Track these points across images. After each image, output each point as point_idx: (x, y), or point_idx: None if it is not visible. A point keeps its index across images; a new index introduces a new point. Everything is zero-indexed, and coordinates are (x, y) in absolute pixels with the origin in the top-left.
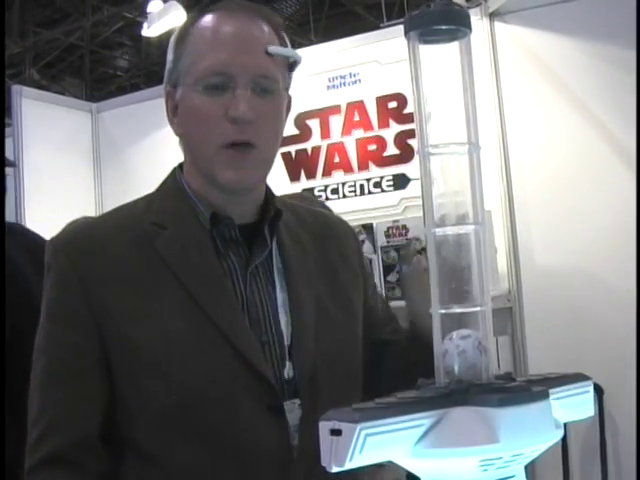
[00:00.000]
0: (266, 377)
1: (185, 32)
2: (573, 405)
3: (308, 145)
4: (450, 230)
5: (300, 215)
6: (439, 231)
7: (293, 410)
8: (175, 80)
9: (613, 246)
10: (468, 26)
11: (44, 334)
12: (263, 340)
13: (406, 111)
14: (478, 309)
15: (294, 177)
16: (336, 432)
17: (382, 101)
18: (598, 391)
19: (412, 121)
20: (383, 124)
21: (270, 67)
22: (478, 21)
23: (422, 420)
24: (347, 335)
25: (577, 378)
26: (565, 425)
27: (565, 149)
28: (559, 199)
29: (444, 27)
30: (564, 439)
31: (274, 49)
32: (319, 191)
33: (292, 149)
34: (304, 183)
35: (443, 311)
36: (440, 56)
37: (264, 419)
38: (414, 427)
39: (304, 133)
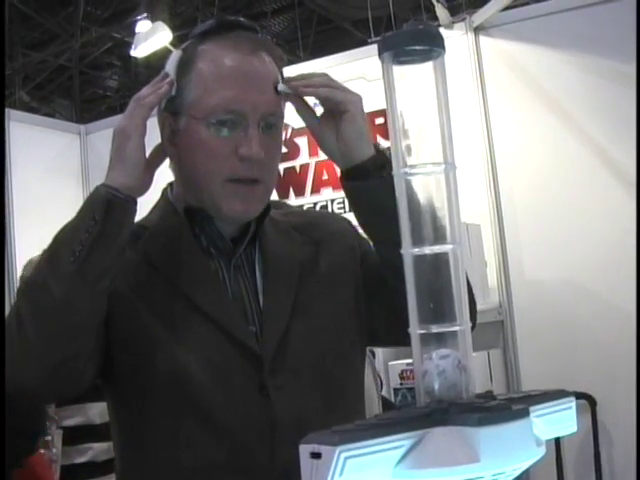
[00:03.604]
0: (262, 358)
1: (188, 61)
2: (555, 422)
3: (296, 163)
4: (427, 250)
5: (289, 216)
6: (417, 251)
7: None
8: (177, 108)
9: (603, 258)
10: (442, 46)
11: None
12: (249, 331)
13: (407, 133)
14: (457, 328)
15: (283, 195)
16: (316, 455)
17: (369, 117)
18: (591, 402)
19: (413, 142)
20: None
21: (277, 104)
22: (463, 36)
23: (402, 441)
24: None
25: (559, 395)
26: (558, 437)
27: (553, 162)
28: (548, 212)
29: (417, 48)
30: (558, 451)
31: (283, 87)
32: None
33: (280, 167)
34: (293, 201)
35: (422, 331)
36: (414, 76)
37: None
38: (394, 448)
39: (292, 151)
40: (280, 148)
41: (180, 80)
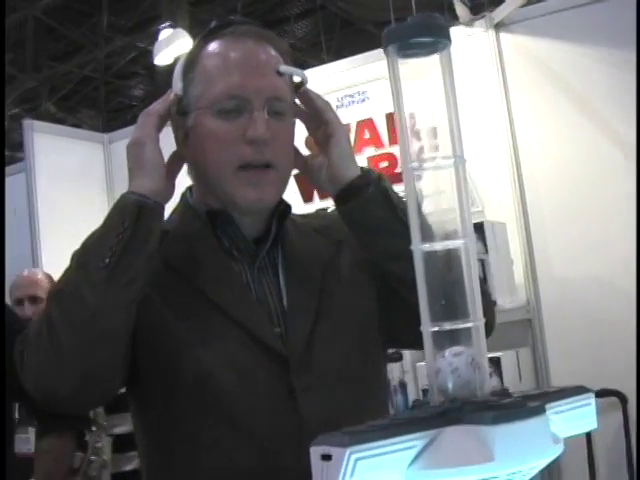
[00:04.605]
0: (288, 360)
1: (193, 60)
2: (574, 419)
3: None
4: (438, 245)
5: (308, 218)
6: (427, 247)
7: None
8: (185, 107)
9: (630, 253)
10: (447, 37)
11: None
12: (275, 332)
13: (415, 127)
14: (470, 325)
15: (307, 198)
16: (326, 457)
17: (391, 117)
18: (621, 399)
19: (422, 137)
20: (393, 140)
21: (282, 88)
22: (483, 33)
23: (415, 441)
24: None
25: (577, 391)
26: (590, 434)
27: (578, 157)
28: (574, 208)
29: (423, 40)
30: (590, 449)
31: (285, 68)
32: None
33: None
34: (318, 203)
35: (434, 329)
36: (421, 69)
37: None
38: (406, 449)
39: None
40: (292, 135)
41: (186, 81)
